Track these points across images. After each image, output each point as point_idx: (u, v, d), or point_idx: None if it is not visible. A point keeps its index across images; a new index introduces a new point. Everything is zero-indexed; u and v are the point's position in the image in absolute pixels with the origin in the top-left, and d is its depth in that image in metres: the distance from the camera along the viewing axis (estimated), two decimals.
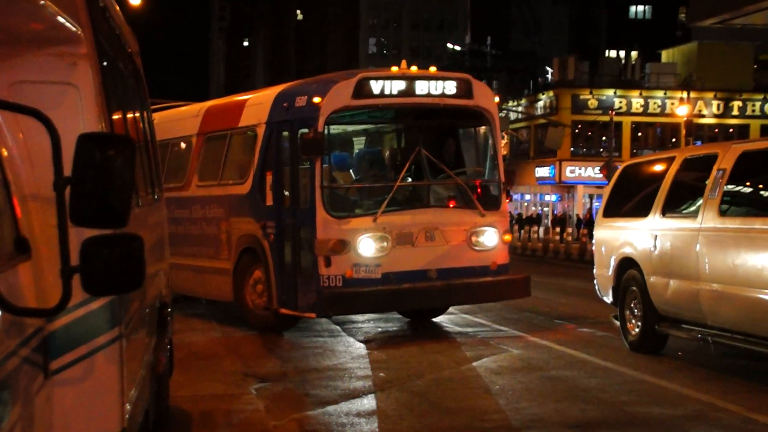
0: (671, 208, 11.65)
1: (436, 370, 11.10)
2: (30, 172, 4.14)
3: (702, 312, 10.65)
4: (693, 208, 11.01)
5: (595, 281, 13.56)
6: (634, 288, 12.15)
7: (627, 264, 12.36)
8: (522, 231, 48.28)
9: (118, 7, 6.33)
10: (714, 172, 10.65)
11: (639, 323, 12.09)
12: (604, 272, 13.09)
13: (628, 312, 12.39)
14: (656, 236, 11.61)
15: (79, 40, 4.37)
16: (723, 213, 10.36)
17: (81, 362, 4.26)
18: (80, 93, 4.41)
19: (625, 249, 12.41)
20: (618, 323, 12.64)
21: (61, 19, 4.12)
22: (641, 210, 12.22)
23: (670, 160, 12.19)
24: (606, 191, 13.94)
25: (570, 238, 39.01)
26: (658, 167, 12.56)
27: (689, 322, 11.12)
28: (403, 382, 10.37)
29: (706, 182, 10.74)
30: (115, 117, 5.10)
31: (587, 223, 53.31)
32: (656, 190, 11.99)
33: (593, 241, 14.01)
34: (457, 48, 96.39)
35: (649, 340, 11.97)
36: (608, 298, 13.07)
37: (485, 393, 9.79)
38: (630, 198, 13.06)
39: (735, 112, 64.34)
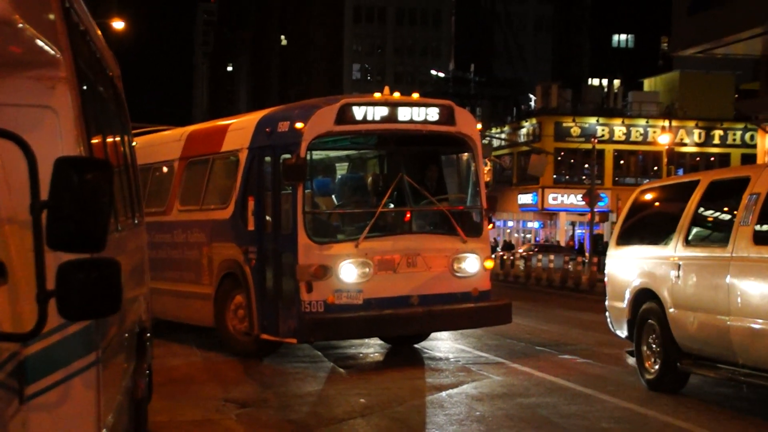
0: (696, 235, 10.92)
1: (417, 396, 11.07)
2: (7, 195, 4.11)
3: (732, 349, 9.77)
4: (722, 236, 10.25)
5: (606, 314, 12.73)
6: (653, 322, 11.25)
7: (644, 296, 11.51)
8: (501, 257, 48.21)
9: (99, 31, 6.32)
10: (746, 196, 9.86)
11: (658, 360, 11.18)
12: (617, 304, 12.22)
13: (645, 347, 11.48)
14: (679, 266, 10.75)
15: (59, 64, 4.35)
16: (758, 241, 9.51)
17: (57, 387, 4.21)
18: (59, 116, 4.38)
19: (642, 279, 11.58)
20: (631, 359, 11.80)
21: (40, 43, 4.10)
22: (661, 237, 11.47)
23: (692, 185, 11.32)
24: (620, 217, 13.12)
25: (552, 265, 38.98)
26: (680, 192, 11.75)
27: (716, 360, 10.28)
28: (383, 408, 10.34)
29: (737, 208, 9.98)
30: (95, 141, 5.08)
31: (570, 250, 53.50)
32: (678, 216, 11.14)
33: (605, 270, 13.10)
34: (441, 75, 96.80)
35: (669, 378, 11.08)
36: (622, 333, 12.21)
37: (466, 419, 9.76)
38: (647, 224, 12.42)
39: (716, 141, 64.82)
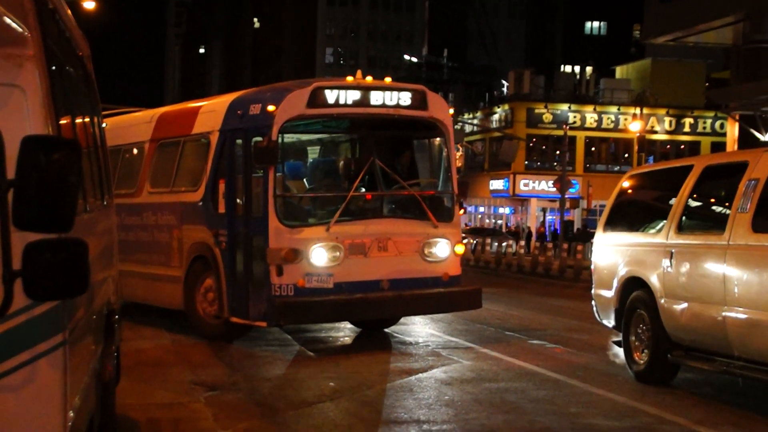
0: (690, 222, 10.49)
1: (386, 380, 11.08)
2: None
3: (727, 341, 9.38)
4: (717, 223, 9.79)
5: (593, 302, 12.33)
6: (642, 311, 10.82)
7: (633, 284, 11.09)
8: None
9: (69, 11, 6.26)
10: (744, 182, 9.44)
11: (647, 351, 10.77)
12: (604, 293, 11.81)
13: (633, 338, 11.08)
14: (671, 253, 10.32)
15: (26, 42, 4.30)
16: (757, 229, 9.06)
17: (23, 369, 4.18)
18: (26, 95, 4.34)
19: (631, 267, 11.15)
20: (615, 348, 11.47)
21: (7, 20, 4.05)
22: (651, 224, 11.15)
23: (685, 170, 10.84)
24: (608, 203, 12.55)
25: (522, 251, 39.17)
26: (671, 177, 11.28)
27: (709, 352, 9.89)
28: (353, 391, 10.35)
29: (733, 194, 9.56)
30: (63, 121, 5.03)
31: (539, 236, 53.78)
32: (669, 202, 10.79)
33: (591, 258, 12.66)
34: (414, 59, 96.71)
35: (659, 370, 10.69)
36: (609, 322, 11.78)
37: (435, 403, 9.79)
38: (636, 211, 12.11)
39: (686, 129, 65.27)
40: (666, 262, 10.42)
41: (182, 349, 13.42)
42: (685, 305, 10.07)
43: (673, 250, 10.34)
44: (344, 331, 15.37)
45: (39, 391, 4.25)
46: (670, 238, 10.47)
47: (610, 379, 11.17)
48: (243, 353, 12.99)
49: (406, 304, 13.42)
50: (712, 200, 10.84)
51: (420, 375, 11.41)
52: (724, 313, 9.35)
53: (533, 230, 61.43)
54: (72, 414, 4.59)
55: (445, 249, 13.71)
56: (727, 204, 9.75)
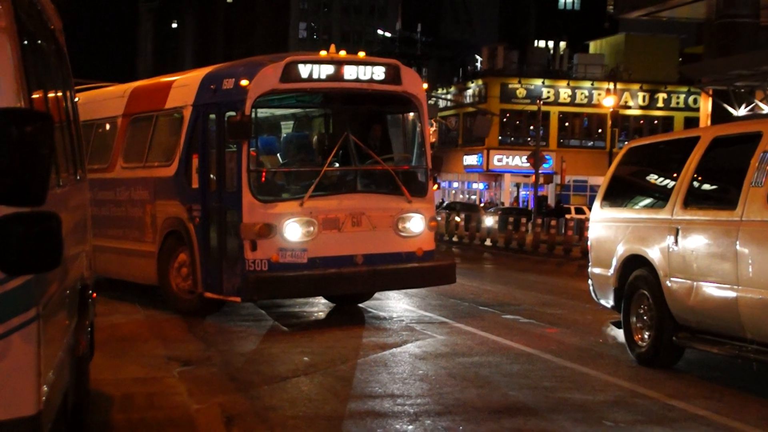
0: (697, 197, 9.96)
1: (361, 354, 11.11)
2: None
3: (740, 323, 8.89)
4: (728, 198, 9.26)
5: (589, 281, 11.82)
6: (644, 291, 10.30)
7: (634, 262, 10.55)
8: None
9: None
10: (758, 154, 8.90)
11: (650, 333, 10.28)
12: (602, 271, 11.27)
13: (634, 319, 10.57)
14: (677, 230, 9.78)
15: None
16: None
17: None
18: None
19: (632, 245, 10.58)
20: (614, 330, 11.21)
21: None
22: (654, 199, 10.71)
23: (692, 141, 10.26)
24: (606, 177, 11.94)
25: (496, 226, 39.23)
26: (675, 149, 10.79)
27: (719, 334, 9.42)
28: (327, 366, 10.37)
29: (745, 166, 9.01)
30: (35, 95, 4.99)
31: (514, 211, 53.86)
32: (674, 176, 10.27)
33: (588, 234, 12.07)
34: (388, 34, 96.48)
35: (663, 353, 10.17)
36: (607, 302, 11.31)
37: (409, 378, 9.82)
38: (637, 185, 11.67)
39: (660, 104, 65.56)
40: (671, 239, 9.88)
41: (156, 324, 13.39)
42: (692, 285, 9.54)
43: (678, 227, 9.80)
44: (318, 306, 15.38)
45: (12, 366, 4.23)
46: (676, 213, 9.93)
47: (583, 353, 11.24)
48: (217, 328, 12.98)
49: (380, 279, 13.44)
50: (722, 174, 10.18)
51: (394, 350, 11.43)
52: (736, 294, 8.87)
53: (507, 205, 61.58)
54: (46, 388, 4.57)
55: (419, 224, 13.73)
56: (739, 178, 9.10)
